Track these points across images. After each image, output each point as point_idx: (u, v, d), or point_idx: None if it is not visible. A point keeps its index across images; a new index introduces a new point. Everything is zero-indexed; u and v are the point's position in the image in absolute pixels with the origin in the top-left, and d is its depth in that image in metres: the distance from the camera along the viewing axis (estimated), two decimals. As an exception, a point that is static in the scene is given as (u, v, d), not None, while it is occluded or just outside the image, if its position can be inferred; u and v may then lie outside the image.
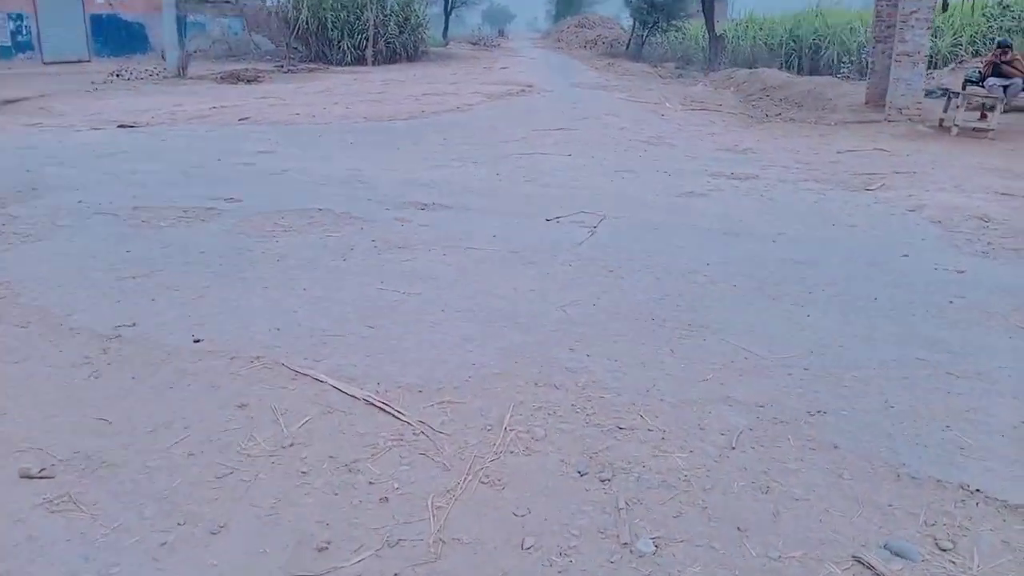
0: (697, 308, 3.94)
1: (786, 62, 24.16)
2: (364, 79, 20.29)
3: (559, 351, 3.42)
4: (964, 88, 11.20)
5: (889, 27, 12.48)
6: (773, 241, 5.16)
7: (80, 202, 6.15)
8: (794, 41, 24.89)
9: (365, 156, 8.51)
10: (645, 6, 32.70)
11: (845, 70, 21.89)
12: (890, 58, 12.74)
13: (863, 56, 21.39)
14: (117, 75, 19.06)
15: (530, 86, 18.43)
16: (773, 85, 17.98)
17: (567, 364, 3.29)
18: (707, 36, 26.57)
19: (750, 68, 22.65)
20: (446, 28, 41.20)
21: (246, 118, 12.03)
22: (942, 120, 11.08)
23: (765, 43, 26.20)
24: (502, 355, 3.37)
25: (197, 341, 3.53)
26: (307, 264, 4.62)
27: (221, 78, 19.29)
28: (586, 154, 8.82)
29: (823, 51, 23.49)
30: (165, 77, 19.33)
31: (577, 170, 7.79)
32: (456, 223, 5.62)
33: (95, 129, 10.70)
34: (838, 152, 9.02)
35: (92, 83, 17.74)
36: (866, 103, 13.57)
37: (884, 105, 12.84)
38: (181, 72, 19.55)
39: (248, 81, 19.24)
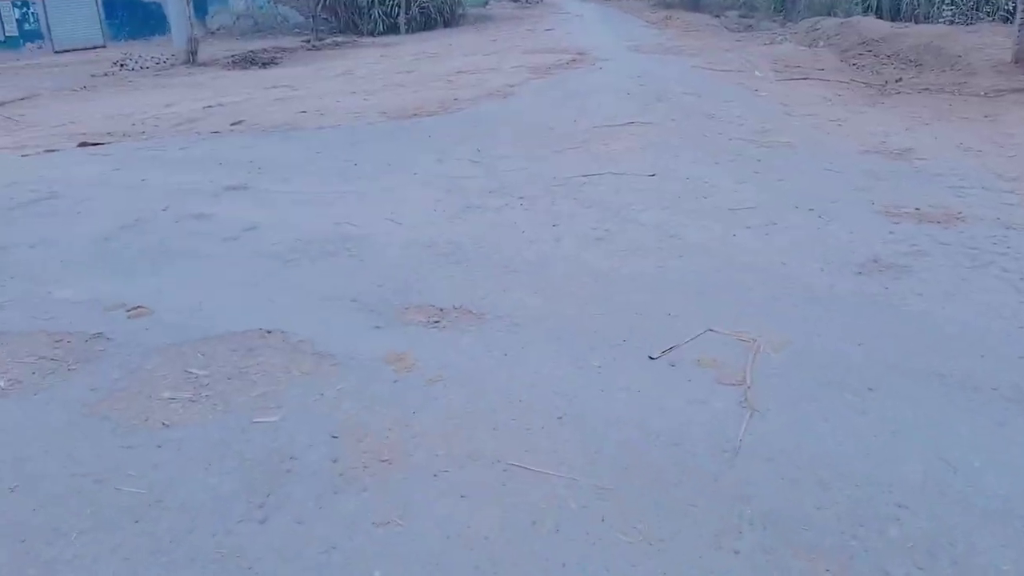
0: None
1: (863, 4, 20.58)
2: (393, 54, 17.74)
3: None
4: None
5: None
6: None
7: (-90, 323, 3.92)
8: (873, -22, 21.25)
9: (368, 190, 6.09)
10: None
11: (948, 13, 18.42)
12: (1052, 0, 9.76)
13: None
14: (121, 65, 16.99)
15: (582, 53, 15.63)
16: (874, 38, 14.88)
17: None
18: (776, -22, 23.12)
19: (829, 15, 19.32)
20: (485, -14, 38.02)
21: (239, 122, 9.71)
22: None
23: (840, -18, 22.59)
24: None
25: None
26: (183, 542, 2.25)
27: (233, 63, 17.03)
28: (676, 170, 6.24)
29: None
30: (173, 64, 17.15)
31: (671, 208, 5.24)
32: (490, 370, 3.18)
33: (48, 152, 8.54)
34: (1044, 151, 6.26)
35: (92, 76, 15.74)
36: (1016, 62, 10.56)
37: (1045, 64, 9.93)
38: (191, 57, 17.31)
39: (263, 64, 16.96)
